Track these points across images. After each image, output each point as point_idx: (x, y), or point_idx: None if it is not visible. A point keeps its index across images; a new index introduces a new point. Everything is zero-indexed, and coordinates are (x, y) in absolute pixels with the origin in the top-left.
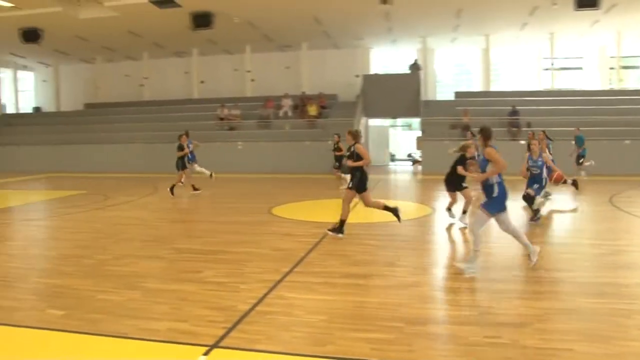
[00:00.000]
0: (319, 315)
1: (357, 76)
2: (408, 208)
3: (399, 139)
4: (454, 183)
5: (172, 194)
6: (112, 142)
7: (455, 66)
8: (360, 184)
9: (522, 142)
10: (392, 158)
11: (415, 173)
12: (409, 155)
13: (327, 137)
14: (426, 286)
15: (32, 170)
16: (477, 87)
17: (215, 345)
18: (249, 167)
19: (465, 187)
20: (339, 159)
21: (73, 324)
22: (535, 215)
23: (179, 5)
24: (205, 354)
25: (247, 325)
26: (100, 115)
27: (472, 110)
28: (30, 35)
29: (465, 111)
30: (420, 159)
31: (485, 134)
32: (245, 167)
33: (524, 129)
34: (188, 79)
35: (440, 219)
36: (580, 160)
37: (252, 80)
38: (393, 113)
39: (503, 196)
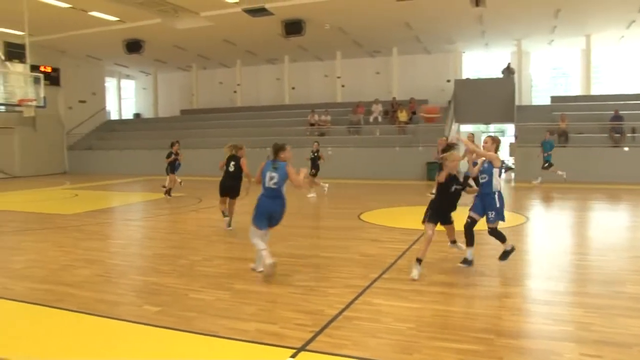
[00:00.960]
0: (406, 323)
1: (449, 81)
2: None
3: None
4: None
5: (169, 195)
6: (207, 147)
7: (552, 69)
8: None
9: (626, 149)
10: None
11: (508, 180)
12: (502, 163)
13: (418, 143)
14: (518, 297)
15: (132, 172)
16: (576, 90)
17: (302, 349)
18: (338, 172)
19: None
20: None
21: (167, 320)
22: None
23: (271, 14)
24: (293, 356)
25: (334, 330)
26: (195, 120)
27: (570, 115)
28: (133, 46)
29: (563, 116)
30: (513, 166)
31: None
32: (335, 173)
33: (628, 135)
34: (279, 85)
35: (534, 228)
36: (545, 165)
37: (343, 86)
38: (486, 119)
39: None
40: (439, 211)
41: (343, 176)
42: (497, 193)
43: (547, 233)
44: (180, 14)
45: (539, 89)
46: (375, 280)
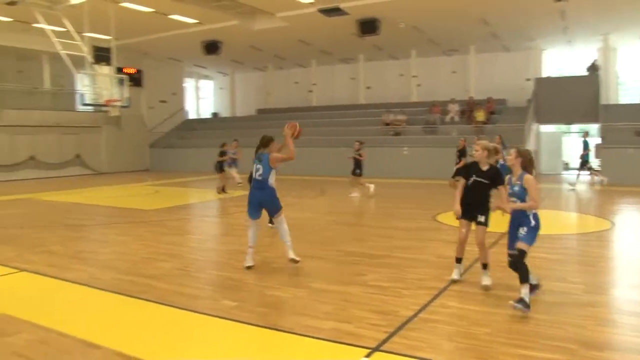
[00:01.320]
0: (483, 328)
1: (529, 80)
2: (586, 221)
3: (573, 146)
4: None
5: (224, 191)
6: None
7: None
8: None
9: None
10: (566, 167)
11: (592, 183)
12: (585, 164)
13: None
14: (603, 307)
15: (209, 170)
16: None
17: (376, 349)
18: (414, 172)
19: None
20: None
21: (244, 315)
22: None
23: (346, 13)
24: (367, 356)
25: (409, 332)
26: (271, 120)
27: None
28: (211, 48)
29: None
30: (599, 169)
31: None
32: (411, 173)
33: None
34: (354, 84)
35: (621, 234)
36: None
37: (418, 85)
38: (568, 118)
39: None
40: (463, 205)
41: (418, 176)
42: (532, 214)
43: (635, 239)
44: (256, 15)
45: (627, 87)
46: (451, 283)
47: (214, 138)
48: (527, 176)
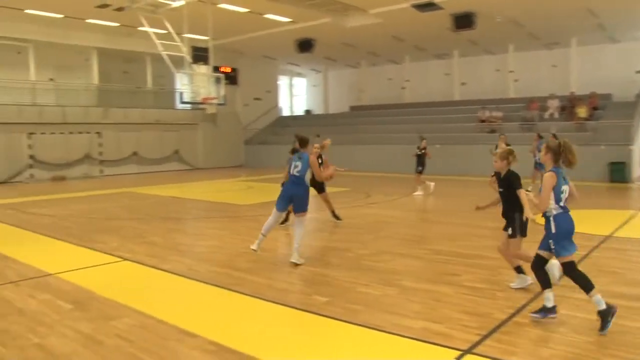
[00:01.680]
0: (583, 336)
1: (639, 72)
2: None
3: None
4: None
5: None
6: (375, 143)
7: None
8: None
9: None
10: None
11: None
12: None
13: (599, 142)
14: None
15: None
16: None
17: (468, 351)
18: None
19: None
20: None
21: (335, 311)
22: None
23: (440, 8)
24: (458, 358)
25: (503, 335)
26: (364, 117)
27: None
28: (305, 46)
29: None
30: None
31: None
32: None
33: None
34: (449, 80)
35: None
36: None
37: (515, 80)
38: None
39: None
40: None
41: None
42: (552, 217)
43: None
44: (349, 12)
45: None
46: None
47: (306, 135)
48: (546, 174)
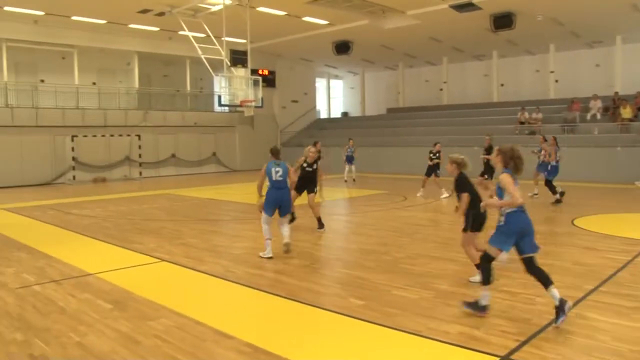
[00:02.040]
0: (628, 345)
1: None
2: None
3: None
4: None
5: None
6: (412, 145)
7: None
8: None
9: None
10: None
11: None
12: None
13: None
14: None
15: (340, 170)
16: None
17: (506, 357)
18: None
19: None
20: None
21: (371, 314)
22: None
23: (479, 8)
24: None
25: (543, 342)
26: (401, 119)
27: None
28: (342, 48)
29: None
30: None
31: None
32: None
33: None
34: (487, 82)
35: None
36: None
37: (556, 81)
38: None
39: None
40: None
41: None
42: (506, 214)
43: None
44: (387, 14)
45: None
46: (590, 293)
47: (343, 137)
48: (501, 175)
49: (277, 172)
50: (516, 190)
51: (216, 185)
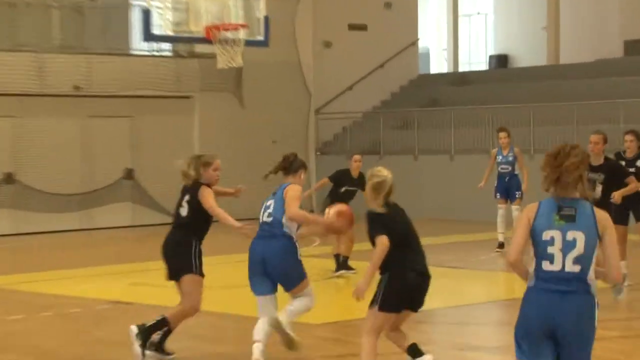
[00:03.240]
0: None
1: None
2: None
3: None
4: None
5: None
6: None
7: None
8: None
9: None
10: None
11: None
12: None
13: None
14: None
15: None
16: None
17: None
18: None
19: None
20: None
21: None
22: None
23: None
24: None
25: None
26: None
27: None
28: None
29: None
30: None
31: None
32: None
33: None
34: None
35: None
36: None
37: None
38: None
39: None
40: None
41: None
42: None
43: None
44: None
45: None
46: None
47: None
48: None
49: (266, 208)
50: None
51: (131, 263)
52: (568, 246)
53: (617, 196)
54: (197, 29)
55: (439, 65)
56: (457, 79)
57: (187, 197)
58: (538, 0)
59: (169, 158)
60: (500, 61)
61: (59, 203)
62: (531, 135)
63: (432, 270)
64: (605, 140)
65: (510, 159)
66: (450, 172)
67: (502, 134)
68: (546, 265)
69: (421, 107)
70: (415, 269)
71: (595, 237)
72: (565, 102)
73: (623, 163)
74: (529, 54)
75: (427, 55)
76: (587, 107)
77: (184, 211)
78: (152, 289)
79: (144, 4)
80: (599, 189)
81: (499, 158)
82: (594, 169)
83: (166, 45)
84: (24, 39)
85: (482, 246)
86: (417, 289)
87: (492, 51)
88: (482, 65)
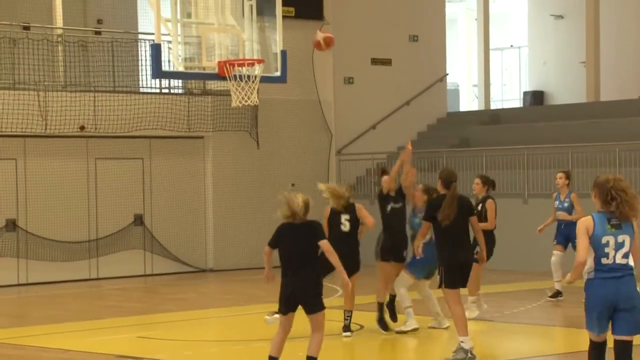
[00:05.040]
0: None
1: None
2: None
3: None
4: None
5: None
6: None
7: None
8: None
9: None
10: None
11: None
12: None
13: None
14: None
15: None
16: None
17: None
18: None
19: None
20: None
21: None
22: None
23: None
24: None
25: None
26: None
27: None
28: None
29: None
30: None
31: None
32: None
33: None
34: None
35: None
36: None
37: None
38: None
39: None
40: None
41: None
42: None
43: None
44: None
45: None
46: None
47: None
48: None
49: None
50: None
51: (140, 315)
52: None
53: None
54: (210, 64)
55: (469, 102)
56: (489, 118)
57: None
58: (576, 32)
59: (180, 202)
60: (535, 98)
61: (65, 251)
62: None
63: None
64: None
65: (566, 205)
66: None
67: (559, 175)
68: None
69: (450, 147)
70: None
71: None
72: (606, 143)
73: None
74: (566, 91)
75: (456, 91)
76: (630, 147)
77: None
78: (160, 342)
79: (153, 38)
80: None
81: (556, 203)
82: None
83: (177, 82)
84: (25, 77)
85: (520, 296)
86: None
87: (527, 87)
88: (515, 102)
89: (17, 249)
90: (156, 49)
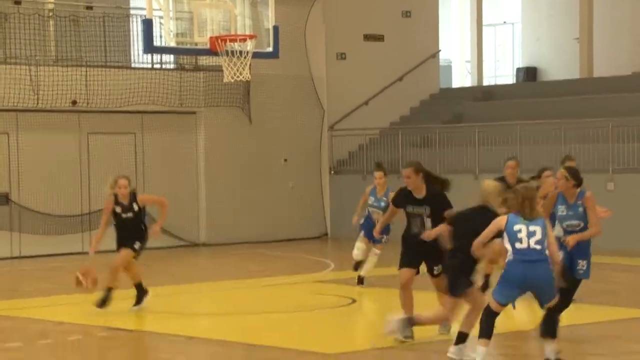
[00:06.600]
0: None
1: None
2: None
3: None
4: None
5: None
6: None
7: None
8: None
9: None
10: None
11: None
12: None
13: None
14: None
15: None
16: None
17: None
18: None
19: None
20: None
21: None
22: None
23: None
24: None
25: None
26: None
27: None
28: None
29: None
30: None
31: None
32: None
33: None
34: None
35: None
36: None
37: None
38: None
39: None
40: None
41: None
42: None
43: None
44: None
45: None
46: None
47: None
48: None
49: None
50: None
51: (131, 297)
52: None
53: None
54: (202, 40)
55: (462, 78)
56: (482, 94)
57: None
58: (570, 8)
59: (172, 177)
60: (528, 74)
61: (58, 225)
62: (562, 154)
63: None
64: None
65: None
66: (475, 193)
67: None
68: None
69: (443, 123)
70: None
71: None
72: (599, 118)
73: None
74: (559, 67)
75: (449, 67)
76: (623, 123)
77: None
78: (154, 315)
79: (145, 13)
80: None
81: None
82: None
83: (169, 58)
84: (17, 51)
85: None
86: None
87: (520, 63)
88: (508, 78)
89: (9, 222)
90: (148, 24)
